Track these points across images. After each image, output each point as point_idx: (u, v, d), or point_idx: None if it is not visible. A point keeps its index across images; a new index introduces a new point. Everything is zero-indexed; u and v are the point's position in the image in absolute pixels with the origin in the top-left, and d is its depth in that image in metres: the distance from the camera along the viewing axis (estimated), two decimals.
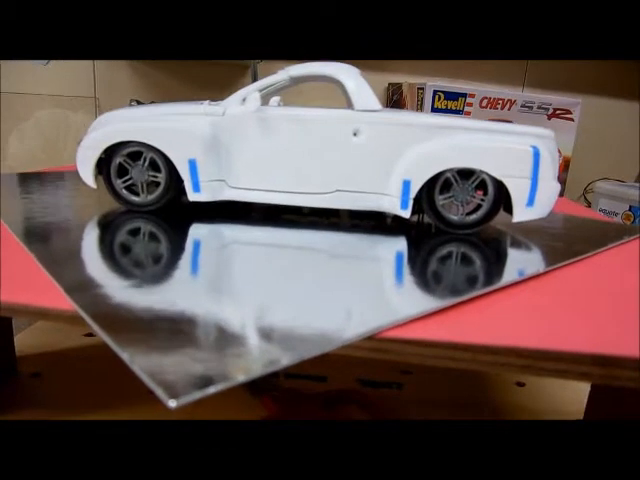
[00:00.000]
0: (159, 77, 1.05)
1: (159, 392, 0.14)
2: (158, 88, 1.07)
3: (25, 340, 0.46)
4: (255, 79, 0.89)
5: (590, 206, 1.13)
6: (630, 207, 1.03)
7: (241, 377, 0.15)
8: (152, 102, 1.07)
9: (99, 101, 1.06)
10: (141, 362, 0.16)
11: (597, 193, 1.10)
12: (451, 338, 0.21)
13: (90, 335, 0.49)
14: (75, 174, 0.50)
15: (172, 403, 0.13)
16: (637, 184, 1.11)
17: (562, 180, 1.06)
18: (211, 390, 0.14)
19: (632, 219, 1.03)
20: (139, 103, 1.00)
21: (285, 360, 0.16)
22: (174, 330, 0.19)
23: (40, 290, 0.23)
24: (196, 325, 0.19)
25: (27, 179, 0.48)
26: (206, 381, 0.15)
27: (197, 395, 0.14)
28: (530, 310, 0.24)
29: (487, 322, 0.23)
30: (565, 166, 1.03)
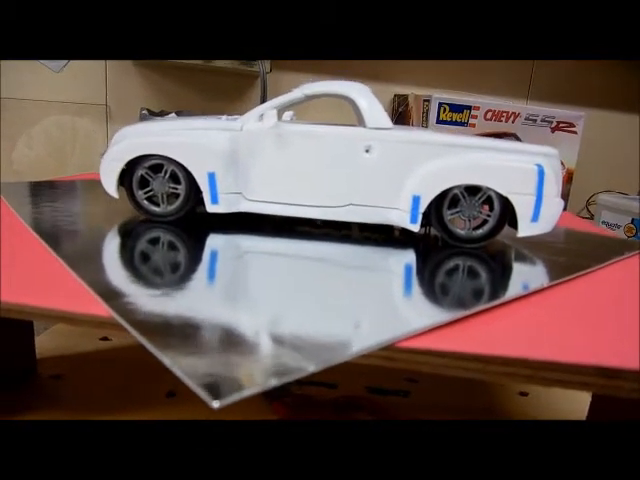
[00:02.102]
0: (169, 86, 1.07)
1: (202, 394, 0.15)
2: (168, 97, 1.08)
3: (44, 343, 0.48)
4: (264, 89, 0.91)
5: (593, 218, 1.15)
6: (632, 219, 1.04)
7: (273, 381, 0.17)
8: (162, 111, 1.09)
9: (110, 109, 1.07)
10: (182, 365, 0.17)
11: (599, 205, 1.11)
12: (460, 349, 0.23)
13: (105, 339, 0.51)
14: (88, 183, 0.52)
15: (216, 404, 0.15)
16: (639, 197, 1.12)
17: (565, 192, 1.07)
18: (249, 392, 0.15)
19: (634, 231, 1.05)
20: (150, 112, 1.02)
21: (312, 367, 0.18)
22: (202, 336, 0.20)
23: (70, 295, 0.24)
24: (225, 332, 0.21)
25: (43, 187, 0.50)
26: (241, 384, 0.16)
27: (237, 397, 0.15)
28: (535, 323, 0.26)
29: (494, 334, 0.24)
30: (568, 178, 1.05)
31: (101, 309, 0.23)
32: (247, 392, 0.15)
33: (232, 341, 0.20)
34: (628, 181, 1.23)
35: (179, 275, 0.28)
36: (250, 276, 0.29)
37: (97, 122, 1.08)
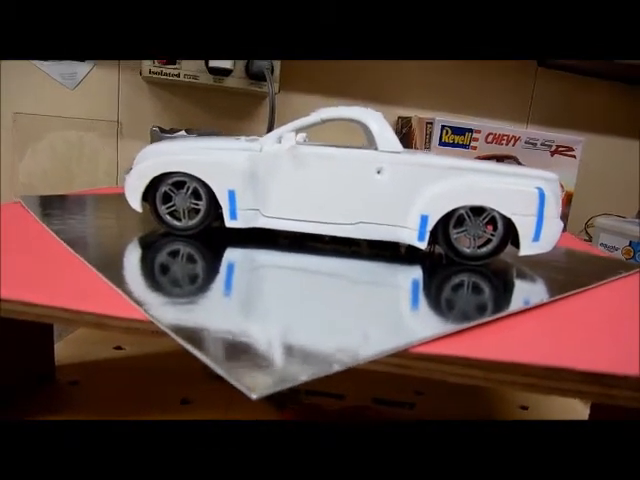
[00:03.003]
0: (179, 104, 1.10)
1: (243, 388, 0.17)
2: (178, 115, 1.11)
3: (61, 350, 0.49)
4: (272, 109, 0.94)
5: (591, 240, 1.17)
6: (630, 242, 1.06)
7: (278, 386, 0.18)
8: (172, 129, 1.12)
9: (121, 125, 1.10)
10: (224, 366, 0.19)
11: (598, 228, 1.13)
12: (465, 354, 0.24)
13: (119, 348, 0.52)
14: (105, 197, 0.54)
15: (254, 395, 0.17)
16: (637, 220, 1.14)
17: (565, 214, 1.10)
18: (276, 388, 0.18)
19: (632, 254, 1.07)
20: (160, 129, 1.05)
21: (304, 376, 0.19)
22: (231, 341, 0.22)
23: (102, 300, 0.26)
24: (253, 339, 0.23)
25: (58, 201, 0.52)
26: (270, 382, 0.18)
27: (269, 391, 0.17)
28: (534, 333, 0.28)
29: (497, 342, 0.26)
30: (568, 201, 1.07)
31: (137, 313, 0.25)
32: (276, 388, 0.17)
33: (244, 349, 0.21)
34: (626, 204, 1.26)
35: (197, 286, 0.30)
36: (264, 288, 0.31)
37: (107, 138, 1.10)
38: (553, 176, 0.39)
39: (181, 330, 0.23)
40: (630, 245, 1.06)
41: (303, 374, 0.19)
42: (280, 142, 0.39)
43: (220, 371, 0.19)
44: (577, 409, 0.50)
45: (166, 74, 0.93)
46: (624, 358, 0.25)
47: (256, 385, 0.18)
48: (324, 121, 0.40)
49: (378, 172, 0.39)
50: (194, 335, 0.22)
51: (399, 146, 0.39)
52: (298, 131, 0.44)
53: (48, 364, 0.45)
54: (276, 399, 0.43)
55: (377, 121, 0.40)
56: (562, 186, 1.08)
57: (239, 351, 0.21)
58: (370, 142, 0.41)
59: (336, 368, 0.20)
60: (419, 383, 0.50)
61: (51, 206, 0.49)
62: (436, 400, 0.49)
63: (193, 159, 0.39)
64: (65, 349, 0.50)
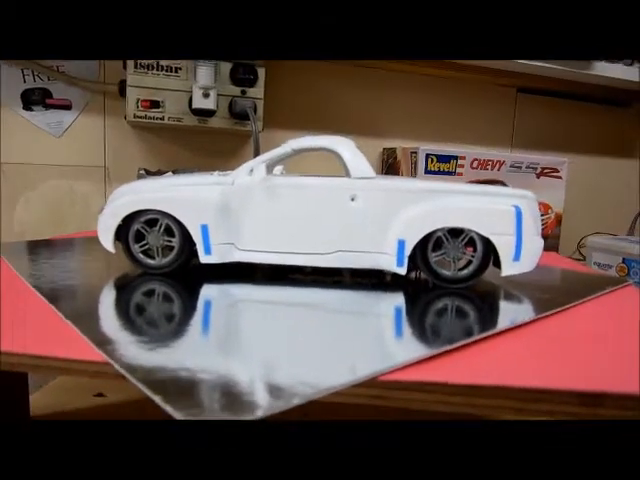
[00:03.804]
0: (165, 146, 1.11)
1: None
2: (165, 157, 1.12)
3: (38, 401, 0.47)
4: (257, 147, 0.95)
5: (585, 260, 1.16)
6: (623, 259, 1.06)
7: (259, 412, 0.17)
8: (159, 170, 1.13)
9: (109, 170, 1.11)
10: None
11: (590, 247, 1.13)
12: (447, 379, 0.23)
13: (100, 395, 0.50)
14: (83, 240, 0.54)
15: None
16: (629, 237, 1.14)
17: (556, 235, 1.09)
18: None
19: (626, 271, 1.06)
20: (147, 171, 1.06)
21: (297, 399, 0.19)
22: (197, 384, 0.21)
23: (68, 344, 0.25)
24: (218, 380, 0.21)
25: (41, 246, 0.52)
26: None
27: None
28: (517, 354, 0.26)
29: (479, 366, 0.25)
30: (558, 222, 1.07)
31: (97, 355, 0.24)
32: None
33: (225, 391, 0.20)
34: (615, 222, 1.26)
35: (173, 325, 0.29)
36: (243, 324, 0.30)
37: (95, 184, 1.11)
38: (529, 194, 0.39)
39: (136, 370, 0.21)
40: (624, 262, 1.05)
41: (259, 410, 0.18)
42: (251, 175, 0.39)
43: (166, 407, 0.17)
44: None
45: (150, 117, 0.94)
46: (608, 376, 0.24)
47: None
48: (295, 151, 0.40)
49: (352, 199, 0.38)
50: (149, 375, 0.21)
51: (371, 172, 0.39)
52: (270, 163, 0.44)
53: (23, 415, 0.43)
54: None
55: (348, 148, 0.40)
56: (551, 207, 1.08)
57: (192, 388, 0.20)
58: (345, 171, 0.41)
59: (296, 402, 0.19)
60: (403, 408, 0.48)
61: (27, 252, 0.48)
62: None
63: (164, 196, 0.38)
64: (42, 399, 0.48)
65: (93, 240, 0.54)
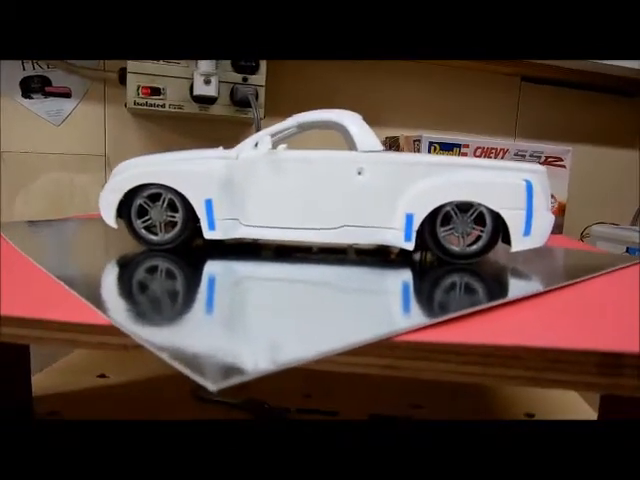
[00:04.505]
0: (166, 135, 1.10)
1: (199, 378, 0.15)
2: (165, 145, 1.11)
3: (41, 381, 0.47)
4: None
5: None
6: (627, 248, 1.05)
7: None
8: None
9: (109, 159, 1.10)
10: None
11: (594, 236, 1.12)
12: (459, 340, 0.22)
13: (103, 376, 0.50)
14: (87, 220, 0.53)
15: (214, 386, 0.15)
16: (632, 227, 1.14)
17: (559, 224, 1.08)
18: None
19: None
20: None
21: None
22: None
23: (69, 308, 0.24)
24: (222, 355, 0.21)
25: (42, 224, 0.51)
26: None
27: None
28: (533, 317, 0.26)
29: (492, 328, 0.24)
30: (561, 211, 1.06)
31: (102, 320, 0.23)
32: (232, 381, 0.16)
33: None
34: (618, 212, 1.25)
35: (178, 303, 0.28)
36: (248, 301, 0.29)
37: (96, 173, 1.10)
38: (540, 168, 0.38)
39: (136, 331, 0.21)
40: (627, 251, 1.04)
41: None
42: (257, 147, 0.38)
43: (178, 366, 0.17)
44: (585, 414, 0.47)
45: (151, 104, 0.93)
46: (626, 336, 0.23)
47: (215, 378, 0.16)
48: (301, 124, 0.39)
49: (359, 173, 0.38)
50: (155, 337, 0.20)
51: (379, 145, 0.38)
52: (275, 137, 0.43)
53: (24, 396, 0.43)
54: (262, 416, 0.41)
55: (355, 122, 0.39)
56: (555, 197, 1.07)
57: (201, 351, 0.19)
58: (350, 146, 0.40)
59: (307, 356, 0.18)
60: (414, 396, 0.47)
61: (28, 231, 0.47)
62: (435, 412, 0.47)
63: (167, 170, 0.38)
64: (45, 380, 0.48)
65: (96, 220, 0.53)
